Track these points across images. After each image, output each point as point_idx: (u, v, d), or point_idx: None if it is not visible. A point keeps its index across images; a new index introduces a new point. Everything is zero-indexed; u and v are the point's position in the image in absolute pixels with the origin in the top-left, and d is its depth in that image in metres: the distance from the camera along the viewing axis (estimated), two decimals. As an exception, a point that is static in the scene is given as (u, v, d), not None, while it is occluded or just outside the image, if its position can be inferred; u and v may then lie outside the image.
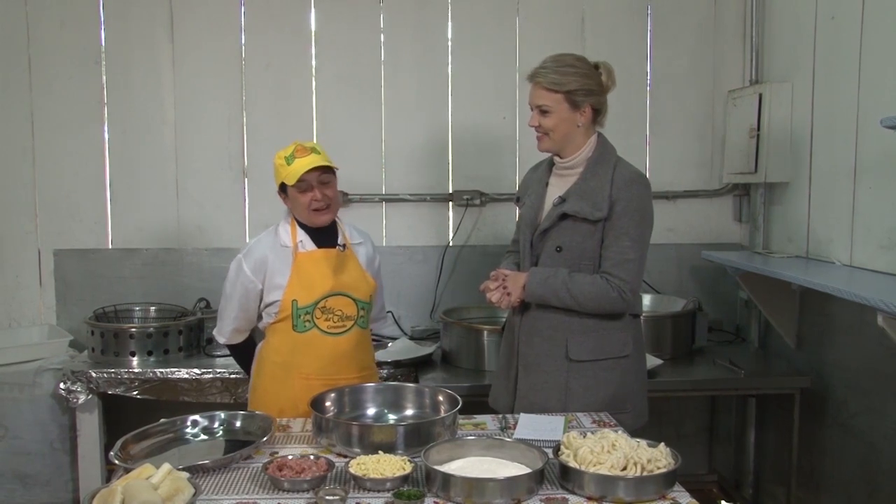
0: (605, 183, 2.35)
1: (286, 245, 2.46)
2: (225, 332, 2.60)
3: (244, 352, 2.68)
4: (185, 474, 1.72)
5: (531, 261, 2.44)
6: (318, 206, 2.41)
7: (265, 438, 2.02)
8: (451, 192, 3.84)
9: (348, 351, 2.49)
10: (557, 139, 2.39)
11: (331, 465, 1.86)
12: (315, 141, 3.75)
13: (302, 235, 2.47)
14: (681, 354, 3.41)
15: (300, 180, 2.36)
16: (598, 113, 2.40)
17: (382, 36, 3.79)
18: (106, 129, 3.77)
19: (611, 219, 2.33)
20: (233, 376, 3.24)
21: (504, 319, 2.70)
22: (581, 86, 2.33)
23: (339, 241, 2.52)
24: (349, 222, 2.62)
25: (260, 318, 2.55)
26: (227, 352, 3.42)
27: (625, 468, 1.77)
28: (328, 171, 2.41)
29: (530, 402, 2.39)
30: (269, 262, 2.45)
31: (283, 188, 2.46)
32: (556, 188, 2.45)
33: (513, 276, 2.40)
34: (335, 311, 2.45)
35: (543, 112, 2.36)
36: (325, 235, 2.50)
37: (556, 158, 2.46)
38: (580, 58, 2.39)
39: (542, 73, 2.35)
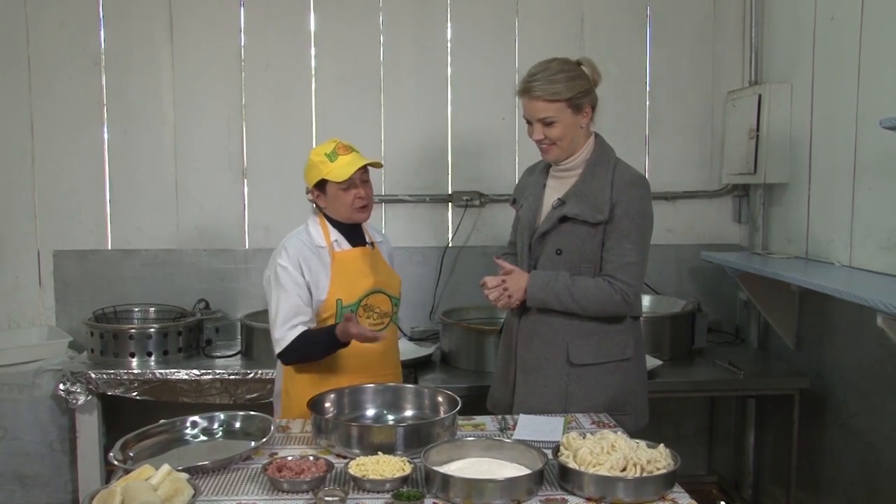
0: (605, 185, 2.33)
1: (321, 245, 2.45)
2: (285, 331, 2.36)
3: (304, 347, 2.39)
4: (185, 475, 1.72)
5: (530, 263, 2.42)
6: (361, 203, 2.43)
7: (265, 439, 2.02)
8: (450, 192, 3.84)
9: (387, 349, 2.52)
10: (566, 146, 2.36)
11: (330, 466, 1.86)
12: (314, 141, 3.76)
13: (335, 234, 2.48)
14: (680, 355, 3.41)
15: (348, 178, 2.38)
16: (594, 111, 2.39)
17: (382, 37, 3.79)
18: (105, 129, 3.77)
19: (612, 221, 2.31)
20: (232, 377, 3.24)
21: (503, 320, 2.70)
22: (580, 88, 2.32)
23: (367, 239, 2.55)
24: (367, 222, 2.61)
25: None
26: (227, 353, 3.45)
27: (624, 469, 1.77)
28: (366, 168, 2.44)
29: (529, 406, 2.37)
30: (308, 260, 2.41)
31: (319, 186, 2.44)
32: (554, 190, 2.43)
33: (514, 276, 2.36)
34: (375, 309, 2.48)
35: (548, 124, 2.32)
36: (354, 234, 2.52)
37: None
38: (564, 60, 2.36)
39: (537, 85, 2.31)
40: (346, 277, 2.44)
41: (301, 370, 2.46)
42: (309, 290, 2.41)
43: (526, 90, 2.34)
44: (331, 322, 2.41)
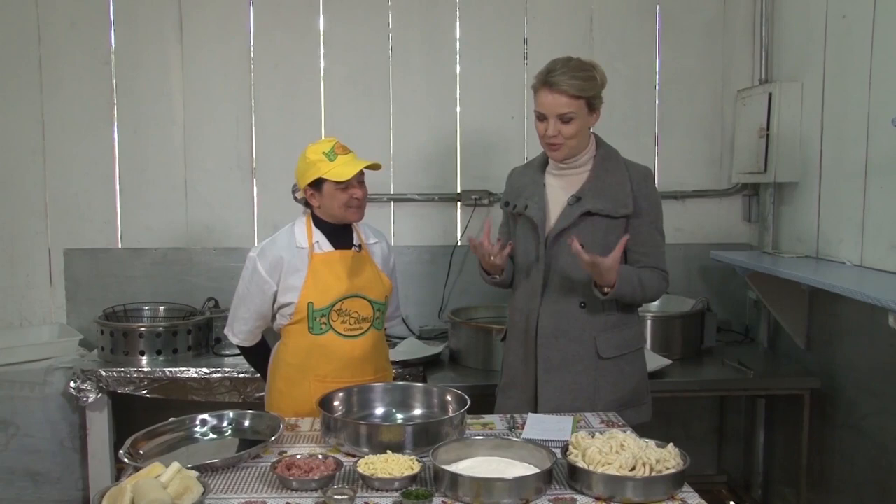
0: (624, 180, 2.35)
1: (302, 246, 2.43)
2: (238, 332, 2.56)
3: (258, 355, 2.64)
4: (195, 473, 1.72)
5: (546, 262, 2.38)
6: (356, 203, 2.42)
7: (274, 438, 2.02)
8: (459, 191, 3.84)
9: (364, 354, 2.48)
10: (574, 145, 2.35)
11: (339, 464, 1.86)
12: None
13: (318, 236, 2.45)
14: (689, 355, 3.40)
15: (349, 179, 2.36)
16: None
17: (391, 36, 3.79)
18: (116, 129, 3.78)
19: (639, 215, 2.34)
20: (241, 376, 3.25)
21: (506, 326, 2.64)
22: (596, 89, 2.33)
23: (355, 241, 2.51)
24: (364, 221, 2.58)
25: (274, 318, 2.52)
26: (236, 351, 3.44)
27: (633, 468, 1.77)
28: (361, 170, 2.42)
29: (556, 405, 2.35)
30: (285, 262, 2.41)
31: (314, 184, 2.40)
32: (559, 188, 2.41)
33: (607, 267, 2.22)
34: (351, 314, 2.44)
35: (566, 121, 2.30)
36: (341, 236, 2.48)
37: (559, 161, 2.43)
38: (581, 60, 2.36)
39: (562, 80, 2.27)
40: (320, 281, 2.41)
41: (281, 370, 2.49)
42: (275, 297, 2.45)
43: (549, 83, 2.29)
44: (302, 325, 2.42)
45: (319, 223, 2.47)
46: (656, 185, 2.48)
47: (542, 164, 2.48)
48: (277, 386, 2.51)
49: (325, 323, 2.41)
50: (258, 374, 3.19)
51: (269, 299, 2.46)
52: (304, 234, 2.45)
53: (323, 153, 2.37)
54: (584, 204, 2.34)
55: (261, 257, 2.44)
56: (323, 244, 2.45)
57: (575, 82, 2.28)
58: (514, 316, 2.50)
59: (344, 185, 2.37)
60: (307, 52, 3.79)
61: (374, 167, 2.41)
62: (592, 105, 2.33)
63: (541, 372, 2.41)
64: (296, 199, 2.52)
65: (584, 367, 2.37)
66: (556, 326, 2.38)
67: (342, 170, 2.35)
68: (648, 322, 3.33)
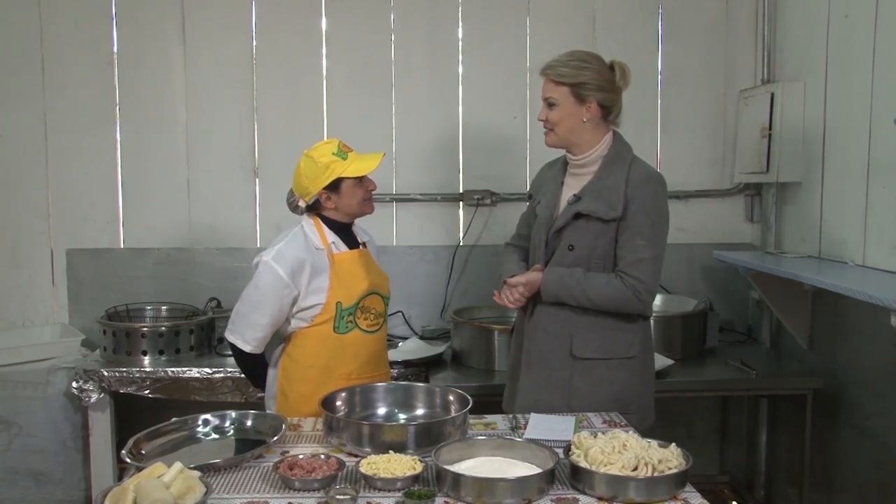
0: (620, 182, 2.33)
1: (320, 247, 2.44)
2: (251, 340, 2.46)
3: (260, 362, 2.58)
4: (197, 473, 1.72)
5: (546, 259, 2.42)
6: (370, 196, 2.49)
7: (276, 438, 2.02)
8: (461, 191, 3.84)
9: (381, 348, 2.57)
10: (562, 133, 2.38)
11: (341, 464, 1.86)
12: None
13: (332, 237, 2.47)
14: (692, 355, 3.39)
15: (373, 170, 2.42)
16: (606, 110, 2.38)
17: (393, 36, 3.79)
18: (118, 129, 3.79)
19: (625, 218, 2.31)
20: (243, 376, 3.24)
21: (514, 319, 2.69)
22: (589, 80, 2.32)
23: (359, 239, 2.56)
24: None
25: (287, 322, 2.50)
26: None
27: (636, 468, 1.76)
28: None
29: (535, 399, 2.38)
30: (308, 264, 2.40)
31: (329, 186, 2.41)
32: (571, 187, 2.43)
33: (530, 286, 2.38)
34: (371, 310, 2.49)
35: (550, 105, 2.37)
36: (348, 235, 2.53)
37: (570, 156, 2.44)
38: (594, 55, 2.39)
39: (552, 65, 2.36)
40: (345, 280, 2.44)
41: (299, 373, 2.47)
42: (294, 302, 2.42)
43: (543, 69, 2.39)
44: (329, 325, 2.42)
45: (328, 223, 2.50)
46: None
47: (565, 161, 2.51)
48: (298, 390, 2.47)
49: (351, 321, 2.45)
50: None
51: (290, 303, 2.43)
52: (317, 236, 2.46)
53: (333, 154, 2.40)
54: (579, 205, 2.35)
55: (278, 262, 2.38)
56: (339, 244, 2.48)
57: (561, 69, 2.34)
58: (518, 312, 2.57)
59: (361, 180, 2.44)
60: (309, 51, 3.79)
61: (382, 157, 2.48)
62: (580, 95, 2.33)
63: (523, 364, 2.46)
64: (297, 207, 2.52)
65: (559, 364, 2.38)
66: (539, 322, 2.42)
67: (360, 165, 2.41)
68: (651, 322, 3.32)
